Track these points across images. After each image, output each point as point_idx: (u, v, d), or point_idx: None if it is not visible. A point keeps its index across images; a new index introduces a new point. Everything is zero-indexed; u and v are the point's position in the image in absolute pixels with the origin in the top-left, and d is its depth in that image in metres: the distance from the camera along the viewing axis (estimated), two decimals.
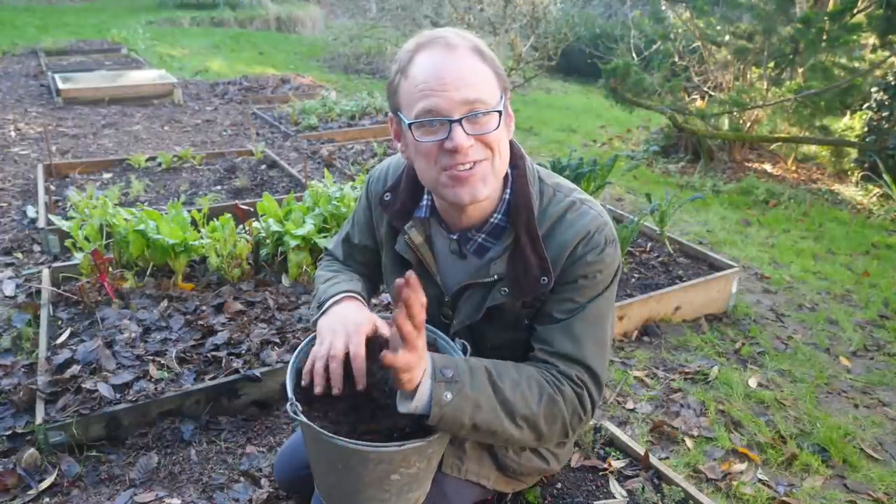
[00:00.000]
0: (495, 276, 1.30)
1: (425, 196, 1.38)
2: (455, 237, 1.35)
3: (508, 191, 1.32)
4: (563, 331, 1.27)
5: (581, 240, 1.26)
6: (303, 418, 1.14)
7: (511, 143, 1.33)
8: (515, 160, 1.33)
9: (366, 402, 1.26)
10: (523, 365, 1.28)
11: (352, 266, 1.59)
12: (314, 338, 1.37)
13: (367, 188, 1.53)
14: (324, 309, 1.37)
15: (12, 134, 5.52)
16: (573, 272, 1.27)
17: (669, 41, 6.47)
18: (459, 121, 1.15)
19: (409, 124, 1.19)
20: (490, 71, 1.20)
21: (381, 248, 1.52)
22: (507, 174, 1.32)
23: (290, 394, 1.18)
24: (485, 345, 1.40)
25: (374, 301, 2.71)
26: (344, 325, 1.29)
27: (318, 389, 1.22)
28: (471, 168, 1.19)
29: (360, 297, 1.41)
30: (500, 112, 1.18)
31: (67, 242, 2.88)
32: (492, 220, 1.31)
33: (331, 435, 1.11)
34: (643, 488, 1.87)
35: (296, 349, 1.34)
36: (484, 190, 1.21)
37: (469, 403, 1.14)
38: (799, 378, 2.69)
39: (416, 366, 1.08)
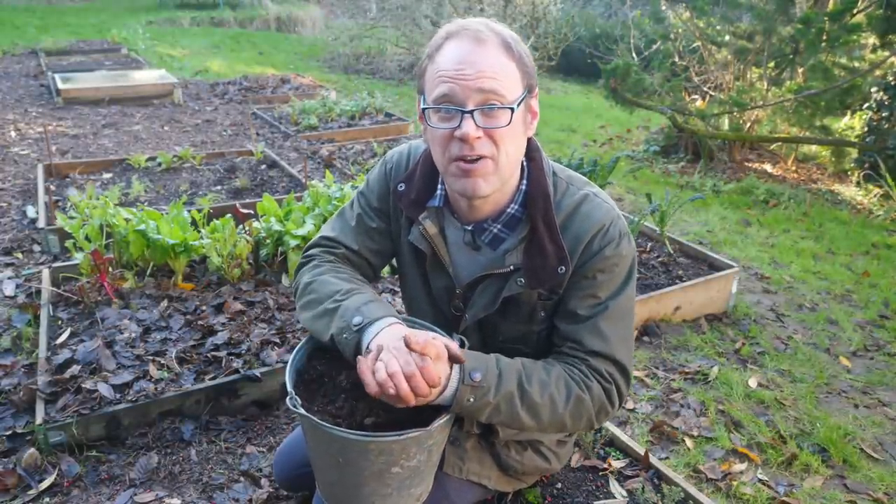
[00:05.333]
0: (511, 267, 1.30)
1: (440, 186, 1.38)
2: (469, 228, 1.35)
3: (525, 182, 1.33)
4: (590, 330, 1.29)
5: (597, 233, 1.27)
6: (302, 411, 1.15)
7: (528, 137, 1.35)
8: (531, 153, 1.34)
9: (364, 397, 1.27)
10: (552, 362, 1.30)
11: (363, 253, 1.47)
12: (311, 337, 1.37)
13: (384, 172, 1.47)
14: (374, 334, 1.21)
15: (12, 134, 5.52)
16: (591, 266, 1.28)
17: (669, 41, 6.47)
18: (472, 112, 1.16)
19: (424, 109, 1.22)
20: (515, 67, 1.20)
21: (395, 237, 1.48)
22: (523, 166, 1.33)
23: (289, 388, 1.19)
24: (496, 339, 1.40)
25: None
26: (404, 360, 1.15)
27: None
28: (475, 162, 1.19)
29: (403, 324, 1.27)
30: (512, 109, 1.18)
31: (67, 243, 2.88)
32: (508, 210, 1.32)
33: (330, 426, 1.12)
34: (643, 488, 1.87)
35: (295, 349, 1.34)
36: (485, 187, 1.22)
37: (489, 408, 1.20)
38: (799, 378, 2.69)
39: (429, 397, 1.14)
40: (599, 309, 1.29)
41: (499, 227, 1.33)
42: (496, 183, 1.23)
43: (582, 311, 1.29)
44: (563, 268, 1.27)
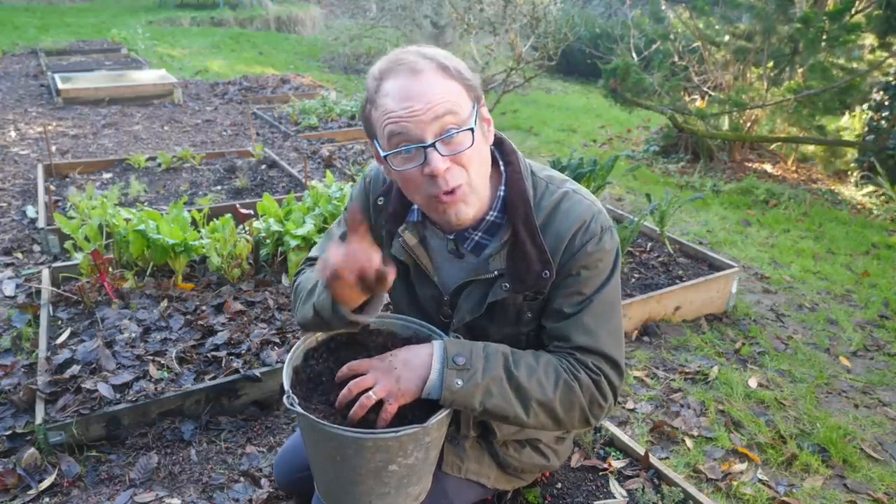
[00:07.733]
0: (495, 273, 1.31)
1: None
2: (451, 237, 1.35)
3: (503, 187, 1.32)
4: (575, 325, 1.29)
5: (578, 229, 1.27)
6: (299, 409, 1.15)
7: (501, 140, 1.35)
8: (508, 156, 1.33)
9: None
10: (541, 352, 1.30)
11: None
12: (307, 337, 1.37)
13: (364, 186, 1.50)
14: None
15: (12, 134, 5.52)
16: (574, 264, 1.27)
17: (669, 41, 6.46)
18: (433, 144, 1.14)
19: (385, 156, 1.19)
20: (459, 85, 1.18)
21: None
22: (500, 171, 1.32)
23: (286, 387, 1.20)
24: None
25: None
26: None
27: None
28: (451, 193, 1.19)
29: None
30: (472, 129, 1.17)
31: (67, 243, 2.88)
32: (488, 217, 1.31)
33: (326, 423, 1.13)
34: (643, 488, 1.87)
35: (292, 349, 1.34)
36: (468, 211, 1.23)
37: (479, 390, 1.20)
38: (799, 378, 2.69)
39: (394, 397, 1.18)
40: (584, 304, 1.29)
41: (480, 234, 1.33)
42: (476, 202, 1.24)
43: (567, 309, 1.29)
44: (547, 272, 1.27)
